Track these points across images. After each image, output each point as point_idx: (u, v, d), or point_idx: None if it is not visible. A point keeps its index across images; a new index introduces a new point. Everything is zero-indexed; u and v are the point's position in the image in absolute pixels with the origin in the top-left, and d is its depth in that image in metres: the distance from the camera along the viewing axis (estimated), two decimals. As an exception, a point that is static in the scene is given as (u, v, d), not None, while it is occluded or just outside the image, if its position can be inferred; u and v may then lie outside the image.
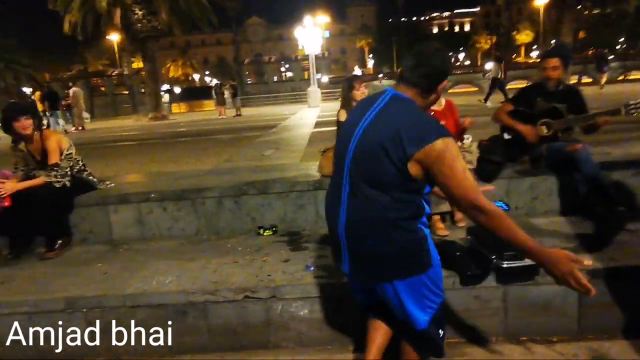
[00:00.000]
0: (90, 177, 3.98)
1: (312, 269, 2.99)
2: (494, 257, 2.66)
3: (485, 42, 64.86)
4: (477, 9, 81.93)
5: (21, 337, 2.80)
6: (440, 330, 1.93)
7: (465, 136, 3.99)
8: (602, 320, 2.68)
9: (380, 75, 48.12)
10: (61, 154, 3.62)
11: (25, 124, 3.48)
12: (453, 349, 2.67)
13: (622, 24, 31.54)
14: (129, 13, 19.15)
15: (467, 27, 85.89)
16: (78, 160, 3.85)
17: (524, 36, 58.44)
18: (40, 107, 16.78)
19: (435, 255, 1.87)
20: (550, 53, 3.71)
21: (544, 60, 3.61)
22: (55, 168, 3.55)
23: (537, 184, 3.71)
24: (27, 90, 35.45)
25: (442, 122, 3.64)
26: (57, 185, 3.55)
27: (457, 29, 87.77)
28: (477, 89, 31.46)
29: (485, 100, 14.78)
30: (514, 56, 61.83)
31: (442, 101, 3.88)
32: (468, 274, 2.67)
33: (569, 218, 3.57)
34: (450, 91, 31.74)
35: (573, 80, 21.42)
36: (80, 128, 17.20)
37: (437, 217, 3.47)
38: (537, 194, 3.72)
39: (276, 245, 3.49)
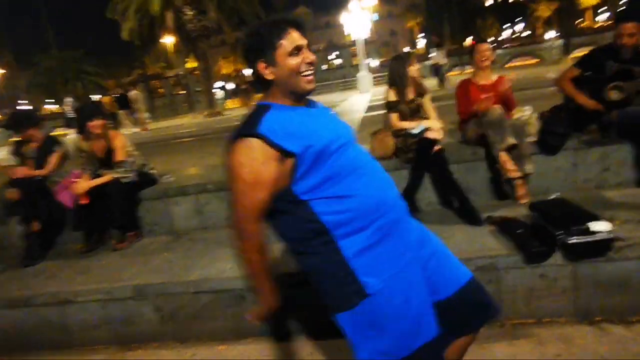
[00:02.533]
0: (153, 172, 4.18)
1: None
2: (559, 232, 2.49)
3: (545, 9, 60.57)
4: (534, -25, 76.53)
5: (97, 322, 3.05)
6: None
7: (526, 108, 3.77)
8: (689, 297, 2.44)
9: (431, 54, 46.51)
10: (126, 152, 3.84)
11: (98, 124, 3.74)
12: (519, 331, 2.56)
13: None
14: (180, 14, 19.84)
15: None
16: (140, 157, 4.06)
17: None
18: (115, 109, 18.07)
19: (386, 280, 1.34)
20: (626, 16, 3.32)
21: (620, 25, 3.26)
22: (121, 165, 3.77)
23: (607, 154, 3.42)
24: (96, 97, 37.93)
25: (484, 96, 3.50)
26: (125, 180, 3.77)
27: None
28: (537, 60, 29.61)
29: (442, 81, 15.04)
30: (578, 21, 57.29)
31: (493, 76, 3.70)
32: (532, 251, 2.52)
33: (646, 189, 3.27)
34: (508, 65, 30.08)
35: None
36: (145, 128, 18.19)
37: (505, 157, 3.28)
38: (608, 164, 3.43)
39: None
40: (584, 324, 2.51)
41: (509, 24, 68.09)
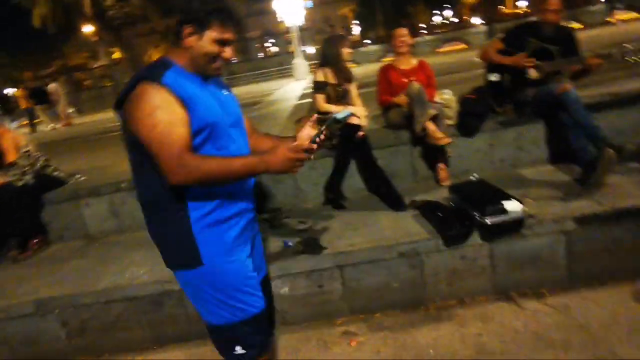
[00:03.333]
0: (56, 173, 3.80)
1: (290, 244, 2.86)
2: (476, 214, 2.53)
3: (471, -4, 63.18)
4: (460, -37, 79.52)
5: (-6, 344, 2.72)
6: (237, 347, 1.55)
7: (445, 91, 3.82)
8: (592, 267, 2.58)
9: (367, 42, 47.23)
10: (17, 152, 3.44)
11: None
12: (443, 312, 2.59)
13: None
14: (99, 0, 18.50)
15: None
16: (39, 157, 3.66)
17: (510, -13, 56.91)
18: (23, 104, 16.50)
19: (222, 256, 1.49)
20: None
21: (545, 1, 3.25)
22: (11, 167, 3.38)
23: (522, 133, 3.55)
24: (9, 90, 34.79)
25: (405, 80, 3.52)
26: (19, 183, 3.38)
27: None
28: (466, 46, 30.87)
29: None
30: (498, 7, 60.37)
31: (413, 60, 3.72)
32: (450, 234, 2.55)
33: (557, 166, 3.43)
34: (439, 50, 31.13)
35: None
36: (67, 124, 16.87)
37: (432, 126, 3.28)
38: (523, 143, 3.56)
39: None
40: (502, 301, 2.59)
41: (438, 11, 70.49)
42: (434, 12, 69.75)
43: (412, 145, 3.55)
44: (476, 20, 43.35)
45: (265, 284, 1.75)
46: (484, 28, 32.14)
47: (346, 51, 3.46)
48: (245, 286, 1.54)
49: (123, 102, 1.41)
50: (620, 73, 4.21)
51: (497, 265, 2.61)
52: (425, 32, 49.61)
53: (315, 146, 1.47)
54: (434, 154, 3.45)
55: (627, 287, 2.47)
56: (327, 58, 3.50)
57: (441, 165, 3.40)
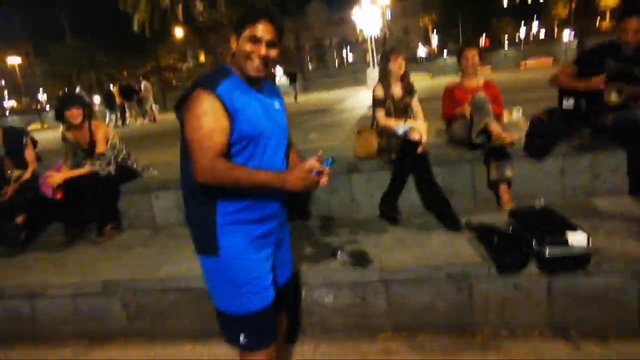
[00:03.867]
0: (134, 165, 4.13)
1: (339, 253, 2.87)
2: (536, 242, 2.38)
3: (562, 8, 59.40)
4: (553, -26, 74.93)
5: (66, 316, 3.02)
6: (241, 336, 1.69)
7: (515, 108, 3.64)
8: (668, 316, 2.31)
9: (445, 53, 46.02)
10: (107, 143, 3.78)
11: (75, 113, 3.68)
12: (490, 342, 2.46)
13: None
14: (190, 7, 19.81)
15: (542, -5, 79.17)
16: (122, 149, 4.01)
17: (609, 0, 52.69)
18: (118, 100, 18.20)
19: (237, 252, 1.63)
20: (631, 11, 3.09)
21: (623, 20, 3.05)
22: (101, 157, 3.72)
23: (599, 160, 3.28)
24: (111, 87, 38.39)
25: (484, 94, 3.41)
26: (102, 173, 3.72)
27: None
28: (552, 59, 29.08)
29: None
30: (597, 22, 56.10)
31: (480, 80, 3.62)
32: (504, 261, 2.42)
33: (637, 198, 3.12)
34: (523, 64, 29.59)
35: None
36: (152, 119, 18.26)
37: (494, 125, 3.16)
38: (599, 171, 3.29)
39: (305, 228, 3.42)
40: (558, 339, 2.40)
41: (525, 24, 66.95)
42: (520, 24, 66.44)
43: (471, 151, 3.43)
44: (566, 34, 40.65)
45: (289, 287, 1.91)
46: (574, 43, 30.07)
47: (395, 65, 3.44)
48: (253, 285, 1.65)
49: (182, 103, 1.57)
50: None
51: (555, 299, 2.43)
52: (509, 45, 47.41)
53: (327, 169, 1.52)
54: (497, 167, 3.28)
55: None
56: (382, 73, 3.52)
57: (503, 187, 3.24)
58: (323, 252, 2.93)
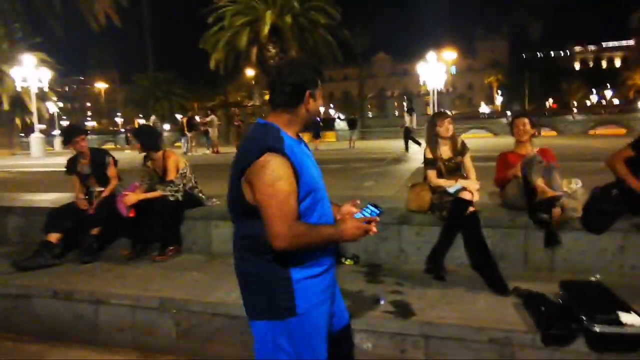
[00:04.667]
0: (200, 194, 4.47)
1: (382, 302, 2.94)
2: (584, 317, 2.34)
3: (639, 78, 57.11)
4: (630, 42, 72.80)
5: (123, 325, 3.27)
6: None
7: (574, 180, 3.62)
8: None
9: (509, 113, 45.36)
10: (177, 172, 4.16)
11: (157, 155, 4.14)
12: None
13: None
14: (264, 51, 21.25)
15: (617, 62, 76.82)
16: (191, 179, 4.37)
17: (692, 72, 50.12)
18: (185, 130, 19.50)
19: (313, 308, 1.60)
20: None
21: None
22: (170, 184, 4.09)
23: (661, 241, 3.17)
24: (179, 116, 41.15)
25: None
26: (171, 198, 4.07)
27: (604, 64, 79.04)
28: (625, 130, 27.78)
29: (406, 149, 15.29)
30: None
31: (535, 148, 3.69)
32: (551, 333, 2.38)
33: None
34: (592, 132, 28.48)
35: None
36: (215, 151, 19.31)
37: (540, 182, 3.21)
38: (662, 253, 3.17)
39: (353, 274, 3.51)
40: None
41: (597, 90, 64.83)
42: (591, 90, 64.43)
43: (527, 216, 3.41)
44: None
45: (346, 331, 1.89)
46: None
47: (441, 129, 3.56)
48: (323, 339, 1.67)
49: (248, 164, 1.53)
50: None
51: (602, 381, 2.35)
52: (579, 110, 46.01)
53: (377, 219, 1.60)
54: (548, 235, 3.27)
55: None
56: (429, 134, 3.69)
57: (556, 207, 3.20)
58: (367, 299, 3.01)
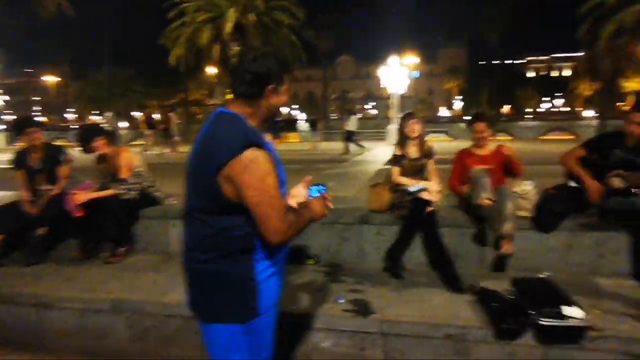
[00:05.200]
0: (157, 193, 4.33)
1: (341, 301, 2.96)
2: (533, 312, 2.44)
3: (586, 89, 60.56)
4: (579, 54, 77.15)
5: (71, 330, 3.12)
6: None
7: (527, 182, 3.77)
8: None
9: (466, 118, 46.90)
10: (130, 170, 4.01)
11: (98, 145, 3.94)
12: (482, 409, 2.47)
13: None
14: (226, 49, 20.94)
15: (567, 72, 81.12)
16: (147, 177, 4.22)
17: (633, 84, 53.60)
18: (143, 127, 18.98)
19: (270, 310, 1.60)
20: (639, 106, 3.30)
21: (634, 113, 3.23)
22: (123, 182, 3.94)
23: (604, 240, 3.36)
24: (137, 114, 39.79)
25: (486, 167, 3.54)
26: (126, 197, 3.92)
27: (555, 73, 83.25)
28: (573, 136, 29.35)
29: (347, 151, 15.82)
30: (619, 104, 56.76)
31: (491, 145, 3.75)
32: (502, 327, 2.47)
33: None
34: (543, 137, 29.86)
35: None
36: (174, 150, 18.83)
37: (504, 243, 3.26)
38: (604, 251, 3.36)
39: (314, 274, 3.51)
40: (549, 413, 2.40)
41: (549, 98, 68.16)
42: (543, 98, 67.67)
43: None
44: (589, 113, 41.26)
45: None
46: (595, 122, 30.45)
47: (409, 129, 3.64)
48: (271, 338, 1.65)
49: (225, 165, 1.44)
50: None
51: (549, 372, 2.46)
52: (532, 117, 48.12)
53: (327, 196, 1.67)
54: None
55: None
56: (400, 133, 3.77)
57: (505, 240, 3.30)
58: (327, 298, 3.01)
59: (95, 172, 4.19)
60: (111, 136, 4.04)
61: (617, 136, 3.38)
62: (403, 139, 3.75)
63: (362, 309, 2.83)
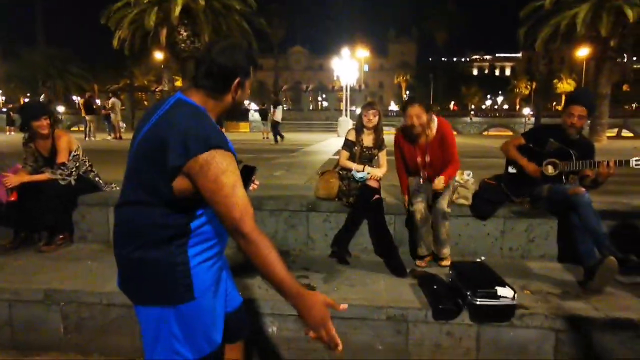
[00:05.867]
0: (97, 179, 4.13)
1: (288, 287, 2.97)
2: (469, 293, 2.58)
3: (525, 88, 64.19)
4: (518, 55, 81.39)
5: (1, 323, 2.92)
6: None
7: (467, 172, 3.95)
8: (578, 372, 2.54)
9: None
10: (69, 154, 3.79)
11: (44, 124, 3.68)
12: (421, 386, 2.58)
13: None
14: (174, 33, 20.16)
15: (507, 72, 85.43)
16: (85, 162, 4.01)
17: (565, 85, 57.48)
18: (83, 113, 17.91)
19: (206, 294, 1.54)
20: (579, 100, 3.45)
21: (571, 106, 3.41)
22: (62, 167, 3.72)
23: (534, 226, 3.60)
24: (76, 98, 37.55)
25: (420, 158, 3.56)
26: (62, 182, 3.71)
27: (497, 72, 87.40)
28: (512, 133, 31.08)
29: (275, 141, 16.75)
30: (554, 104, 60.77)
31: (433, 130, 3.48)
32: (440, 308, 2.59)
33: (564, 265, 3.44)
34: (486, 133, 31.48)
35: (611, 133, 20.83)
36: (118, 137, 17.99)
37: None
38: (534, 236, 3.60)
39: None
40: (481, 387, 2.56)
41: (491, 95, 71.58)
42: (487, 96, 70.95)
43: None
44: (526, 111, 43.91)
45: (238, 314, 1.84)
46: (532, 119, 32.43)
47: (367, 118, 3.70)
48: (213, 325, 1.60)
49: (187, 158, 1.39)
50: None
51: (482, 348, 2.62)
52: (476, 113, 50.41)
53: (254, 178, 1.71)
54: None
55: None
56: (358, 121, 3.79)
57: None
58: (273, 284, 3.01)
59: (24, 154, 3.92)
60: (53, 116, 3.78)
61: (554, 128, 3.59)
62: (360, 127, 3.79)
63: (309, 293, 2.86)
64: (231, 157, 1.43)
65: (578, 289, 2.91)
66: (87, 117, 17.85)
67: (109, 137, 18.05)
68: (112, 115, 18.15)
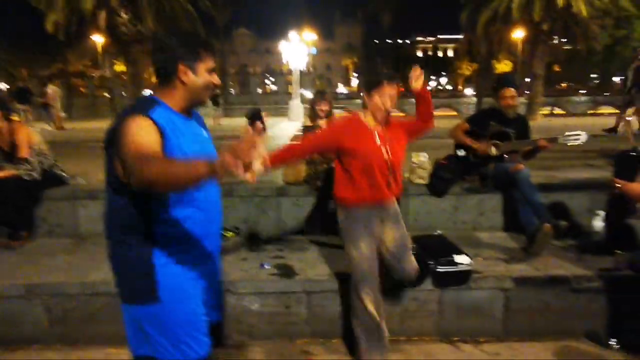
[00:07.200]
0: (62, 173, 4.09)
1: (266, 267, 3.19)
2: (431, 262, 2.92)
3: (467, 69, 66.74)
4: (460, 36, 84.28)
5: (-20, 319, 2.93)
6: None
7: (422, 154, 4.30)
8: (524, 323, 2.97)
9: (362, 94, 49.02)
10: (31, 149, 3.74)
11: None
12: (392, 346, 2.90)
13: (592, 60, 33.29)
14: (115, 16, 19.19)
15: (450, 53, 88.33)
16: (47, 156, 3.95)
17: (503, 65, 60.45)
18: (13, 101, 16.70)
19: (177, 294, 1.56)
20: (509, 83, 3.91)
21: (504, 89, 3.81)
22: (24, 162, 3.67)
23: (483, 201, 4.02)
24: (2, 85, 34.80)
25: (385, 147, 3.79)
26: (26, 178, 3.66)
27: (440, 54, 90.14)
28: (457, 114, 32.42)
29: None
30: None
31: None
32: (407, 276, 2.91)
33: (509, 233, 3.88)
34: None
35: (545, 111, 22.37)
36: (60, 127, 17.04)
37: None
38: (484, 210, 4.02)
39: (236, 245, 3.68)
40: (444, 342, 2.94)
41: (435, 77, 73.94)
42: (430, 77, 73.20)
43: None
44: (469, 91, 45.93)
45: (214, 329, 1.81)
46: (474, 100, 33.98)
47: (321, 108, 3.99)
48: (195, 330, 1.62)
49: (114, 136, 1.43)
50: (576, 162, 4.81)
51: (444, 310, 2.98)
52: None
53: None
54: None
55: (551, 344, 2.87)
56: (311, 110, 4.11)
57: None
58: (252, 265, 3.22)
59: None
60: (6, 109, 3.68)
61: (494, 112, 4.00)
62: (314, 115, 4.04)
63: (286, 272, 3.10)
64: (150, 124, 1.42)
65: (522, 254, 3.34)
66: (20, 107, 16.70)
67: (48, 127, 17.07)
68: (51, 104, 17.13)
